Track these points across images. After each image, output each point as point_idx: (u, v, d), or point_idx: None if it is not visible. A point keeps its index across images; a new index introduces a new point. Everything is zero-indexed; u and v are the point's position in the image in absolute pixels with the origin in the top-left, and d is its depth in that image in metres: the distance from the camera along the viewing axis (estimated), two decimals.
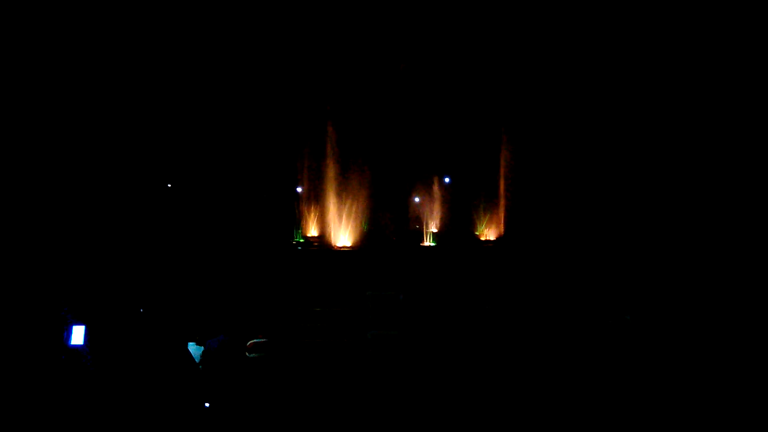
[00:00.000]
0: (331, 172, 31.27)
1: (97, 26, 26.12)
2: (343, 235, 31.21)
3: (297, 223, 31.04)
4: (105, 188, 24.61)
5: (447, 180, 33.39)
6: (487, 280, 19.28)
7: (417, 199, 33.39)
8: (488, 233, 31.82)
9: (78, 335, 8.21)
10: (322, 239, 30.73)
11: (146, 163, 27.94)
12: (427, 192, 33.28)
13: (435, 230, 31.93)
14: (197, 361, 10.13)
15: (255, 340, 11.32)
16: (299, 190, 32.06)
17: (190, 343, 10.67)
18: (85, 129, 24.82)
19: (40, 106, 22.25)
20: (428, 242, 30.66)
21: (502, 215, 31.63)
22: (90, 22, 25.72)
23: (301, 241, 30.08)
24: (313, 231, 31.69)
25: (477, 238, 31.71)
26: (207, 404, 8.93)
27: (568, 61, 30.55)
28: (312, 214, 31.81)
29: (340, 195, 31.38)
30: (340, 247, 29.28)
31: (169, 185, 29.86)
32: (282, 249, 26.58)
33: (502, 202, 31.67)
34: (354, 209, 31.32)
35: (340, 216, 31.38)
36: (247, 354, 11.03)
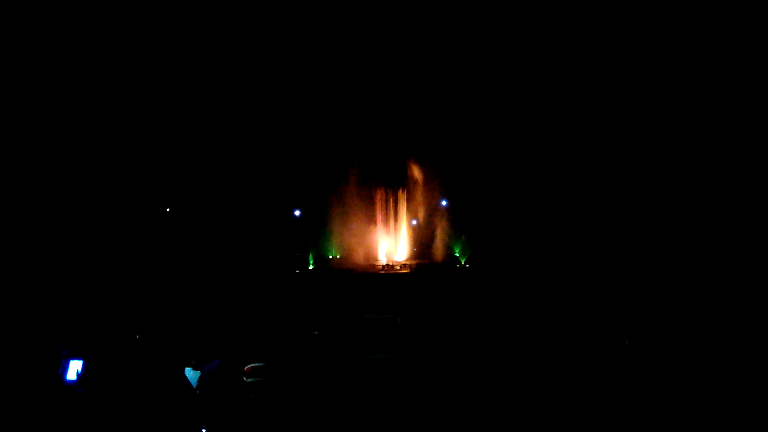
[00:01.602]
0: (336, 199, 31.70)
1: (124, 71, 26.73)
2: (346, 260, 31.34)
3: (299, 246, 31.11)
4: (102, 211, 24.65)
5: (444, 203, 33.55)
6: (485, 302, 19.22)
7: (414, 222, 33.49)
8: (485, 256, 31.89)
9: (74, 370, 8.07)
10: (327, 263, 30.88)
11: (144, 185, 28.06)
12: (428, 216, 33.50)
13: (434, 253, 32.00)
14: (194, 386, 10.05)
15: (253, 365, 11.27)
16: (297, 213, 32.17)
17: (187, 368, 10.60)
18: (85, 158, 25.05)
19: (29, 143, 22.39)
20: (426, 265, 30.66)
21: (500, 238, 31.73)
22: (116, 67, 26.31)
23: (312, 267, 30.16)
24: (317, 255, 31.81)
25: (475, 260, 31.76)
26: (204, 430, 8.84)
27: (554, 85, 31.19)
28: (318, 239, 31.99)
29: (344, 220, 31.68)
30: (341, 271, 29.29)
31: (168, 209, 29.90)
32: (279, 273, 26.55)
33: (502, 224, 31.80)
34: (359, 234, 31.59)
35: (343, 241, 31.61)
36: (244, 378, 10.96)
